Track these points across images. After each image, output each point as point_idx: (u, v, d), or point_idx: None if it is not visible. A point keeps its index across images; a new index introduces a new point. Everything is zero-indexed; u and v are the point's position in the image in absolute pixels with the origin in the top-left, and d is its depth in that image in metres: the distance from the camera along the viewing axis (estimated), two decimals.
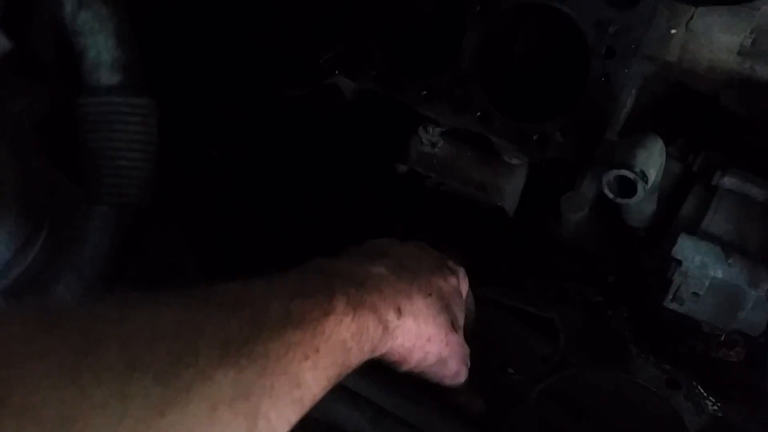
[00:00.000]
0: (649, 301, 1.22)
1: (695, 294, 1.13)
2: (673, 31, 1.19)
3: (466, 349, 0.94)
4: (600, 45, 1.22)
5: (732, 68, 1.19)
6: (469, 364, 0.94)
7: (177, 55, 1.68)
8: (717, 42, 1.18)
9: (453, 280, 0.95)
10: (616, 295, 1.30)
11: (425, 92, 1.41)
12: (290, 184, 1.57)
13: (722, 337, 1.25)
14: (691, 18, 1.18)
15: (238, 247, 1.42)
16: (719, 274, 1.09)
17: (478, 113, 1.38)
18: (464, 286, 1.00)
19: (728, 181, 1.15)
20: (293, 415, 0.63)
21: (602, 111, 1.28)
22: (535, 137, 1.34)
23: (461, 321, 0.94)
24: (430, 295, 0.88)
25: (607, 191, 1.05)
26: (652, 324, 1.23)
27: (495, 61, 1.39)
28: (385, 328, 0.78)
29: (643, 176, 1.00)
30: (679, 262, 1.12)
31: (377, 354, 0.80)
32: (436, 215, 1.52)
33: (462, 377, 0.93)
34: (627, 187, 1.02)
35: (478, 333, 1.26)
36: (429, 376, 0.91)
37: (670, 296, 1.15)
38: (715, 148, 1.26)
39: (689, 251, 1.10)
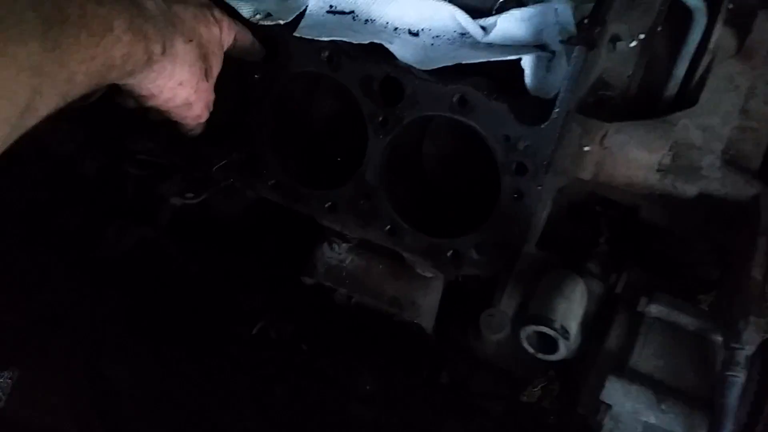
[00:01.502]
0: None
1: None
2: (586, 149, 1.11)
3: (212, 97, 1.05)
4: (510, 161, 1.13)
5: (652, 184, 1.11)
6: (211, 108, 1.06)
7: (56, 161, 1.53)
8: (634, 159, 1.10)
9: (216, 30, 0.99)
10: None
11: (329, 204, 1.29)
12: (182, 303, 1.41)
13: None
14: (605, 135, 1.09)
15: (121, 394, 1.25)
16: (652, 419, 1.00)
17: (387, 227, 1.26)
18: (227, 38, 1.04)
19: (655, 309, 1.07)
20: (60, 100, 0.73)
21: (517, 228, 1.18)
22: (448, 254, 1.24)
23: (216, 71, 1.02)
24: (191, 41, 0.92)
25: (526, 346, 0.95)
26: None
27: (402, 172, 1.28)
28: (149, 59, 0.85)
29: (564, 332, 0.90)
30: (609, 406, 1.02)
31: (131, 81, 0.88)
32: (347, 332, 1.39)
33: (203, 119, 1.08)
34: (548, 342, 0.92)
35: None
36: (173, 116, 1.02)
37: None
38: (638, 260, 1.18)
39: (618, 396, 1.00)
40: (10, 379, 1.28)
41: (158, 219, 1.51)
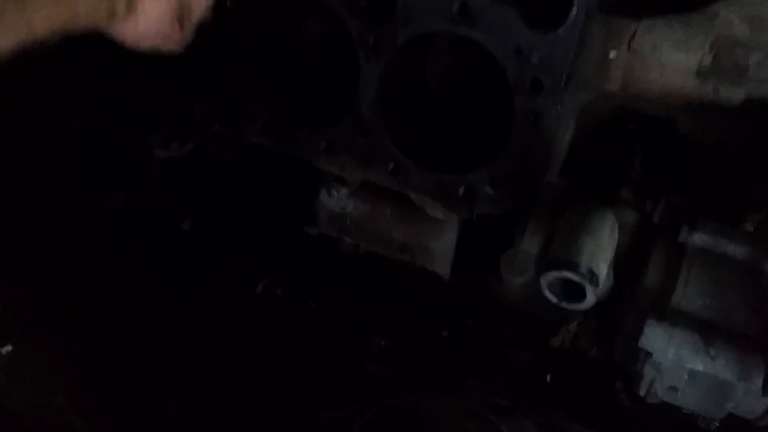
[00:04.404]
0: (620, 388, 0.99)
1: (672, 388, 0.90)
2: (612, 55, 0.94)
3: (187, 39, 0.96)
4: (523, 78, 0.97)
5: (691, 92, 0.95)
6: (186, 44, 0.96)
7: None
8: (669, 63, 0.93)
9: None
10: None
11: (324, 144, 1.16)
12: (178, 263, 1.30)
13: None
14: (634, 36, 0.93)
15: (115, 365, 1.15)
16: (699, 366, 0.86)
17: (390, 166, 1.13)
18: None
19: (699, 238, 0.92)
20: (16, 44, 0.71)
21: (536, 155, 1.03)
22: (460, 191, 1.10)
23: (197, 15, 0.95)
24: None
25: (548, 295, 0.81)
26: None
27: (403, 103, 1.13)
28: (112, 15, 0.83)
29: (593, 277, 0.76)
30: (649, 353, 0.88)
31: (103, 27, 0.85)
32: (358, 284, 1.27)
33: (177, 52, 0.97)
34: (573, 290, 0.78)
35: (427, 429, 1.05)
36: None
37: (643, 391, 0.92)
38: (676, 184, 1.03)
39: (660, 342, 0.86)
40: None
41: (148, 174, 1.40)
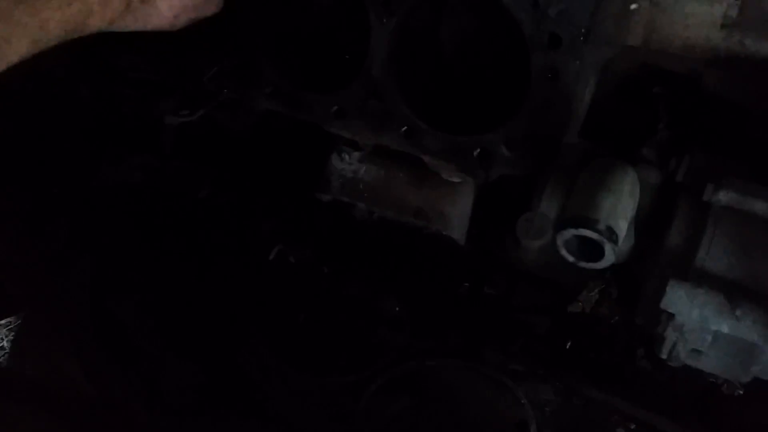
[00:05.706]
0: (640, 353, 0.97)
1: (696, 351, 0.87)
2: (633, 6, 0.90)
3: None
4: (540, 33, 0.94)
5: (716, 44, 0.91)
6: None
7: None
8: (693, 15, 0.89)
9: None
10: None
11: (335, 108, 1.13)
12: (191, 231, 1.29)
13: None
14: None
15: (128, 330, 1.15)
16: (725, 328, 0.83)
17: (403, 128, 1.10)
18: None
19: (724, 197, 0.88)
20: (32, 47, 0.72)
21: (555, 114, 1.00)
22: (475, 153, 1.07)
23: None
24: None
25: (565, 254, 0.78)
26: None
27: (415, 64, 1.10)
28: (128, 6, 0.83)
29: (611, 234, 0.73)
30: (672, 315, 0.86)
31: (129, 24, 0.86)
32: (371, 251, 1.25)
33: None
34: (591, 248, 0.75)
35: (442, 393, 1.04)
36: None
37: (665, 354, 0.89)
38: (701, 141, 0.99)
39: (683, 304, 0.83)
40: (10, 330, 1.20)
41: (161, 143, 1.38)
